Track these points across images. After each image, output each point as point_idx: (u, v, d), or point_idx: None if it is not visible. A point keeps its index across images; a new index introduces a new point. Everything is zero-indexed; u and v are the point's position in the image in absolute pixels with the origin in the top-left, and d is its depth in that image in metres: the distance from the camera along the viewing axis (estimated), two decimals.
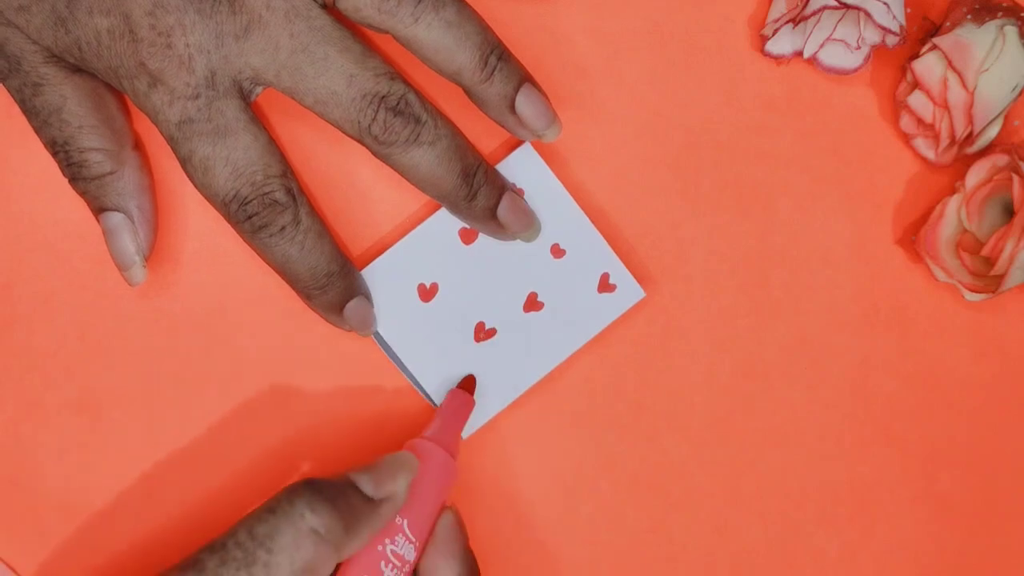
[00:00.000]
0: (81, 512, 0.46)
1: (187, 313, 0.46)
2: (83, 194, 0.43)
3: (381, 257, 0.45)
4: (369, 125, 0.41)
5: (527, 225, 0.45)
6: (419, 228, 0.45)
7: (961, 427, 0.47)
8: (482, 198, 0.43)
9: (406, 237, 0.45)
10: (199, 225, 0.46)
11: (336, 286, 0.43)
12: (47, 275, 0.46)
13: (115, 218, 0.43)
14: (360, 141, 0.42)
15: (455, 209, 0.43)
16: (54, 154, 0.42)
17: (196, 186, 0.41)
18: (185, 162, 0.41)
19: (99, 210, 0.43)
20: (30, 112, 0.42)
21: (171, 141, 0.41)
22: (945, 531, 0.47)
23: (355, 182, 0.46)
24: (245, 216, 0.41)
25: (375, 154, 0.42)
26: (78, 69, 0.42)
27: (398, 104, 0.41)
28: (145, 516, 0.46)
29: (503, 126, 0.44)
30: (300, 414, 0.46)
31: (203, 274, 0.46)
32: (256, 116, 0.42)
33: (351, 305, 0.44)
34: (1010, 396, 0.47)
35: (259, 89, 0.42)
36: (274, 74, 0.41)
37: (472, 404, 0.44)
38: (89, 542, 0.46)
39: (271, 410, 0.46)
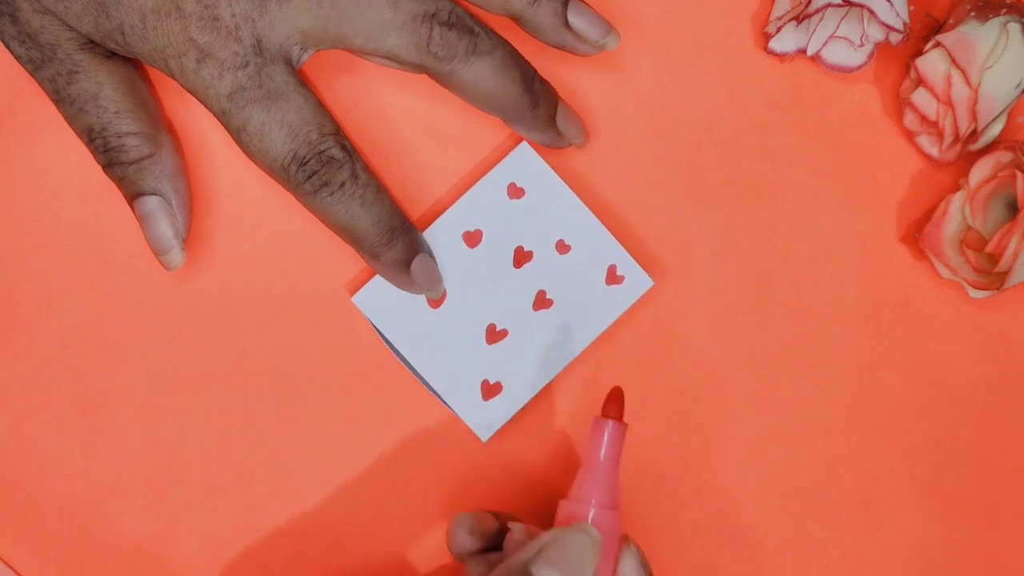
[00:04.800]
0: (84, 513, 0.46)
1: (191, 314, 0.46)
2: (120, 180, 0.43)
3: None
4: (427, 43, 0.41)
5: (581, 130, 0.45)
6: (422, 235, 0.45)
7: (966, 424, 0.47)
8: (543, 105, 0.43)
9: None
10: (203, 227, 0.46)
11: (401, 240, 0.43)
12: (50, 276, 0.46)
13: (152, 202, 0.43)
14: (419, 64, 0.42)
15: (519, 120, 0.43)
16: (90, 141, 0.42)
17: (252, 154, 0.41)
18: (240, 131, 0.41)
19: (135, 195, 0.43)
20: (64, 101, 0.42)
21: (223, 115, 0.41)
22: (950, 527, 0.47)
23: None
24: (305, 176, 0.41)
25: (436, 75, 0.42)
26: (111, 55, 0.42)
27: (449, 18, 0.41)
28: (148, 518, 0.46)
29: (563, 47, 0.44)
30: (305, 415, 0.46)
31: (206, 275, 0.46)
32: (302, 80, 0.42)
33: (417, 262, 0.44)
34: (1014, 393, 0.47)
35: (306, 56, 0.42)
36: (321, 28, 0.41)
37: (625, 428, 0.41)
38: (91, 544, 0.46)
39: (276, 411, 0.46)
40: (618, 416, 0.41)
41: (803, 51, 0.46)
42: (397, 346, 0.45)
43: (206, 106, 0.41)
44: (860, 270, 0.47)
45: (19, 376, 0.46)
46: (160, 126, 0.44)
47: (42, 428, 0.46)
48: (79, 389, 0.46)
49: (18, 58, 0.42)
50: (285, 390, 0.46)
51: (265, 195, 0.46)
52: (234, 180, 0.46)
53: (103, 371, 0.46)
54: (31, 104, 0.45)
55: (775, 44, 0.46)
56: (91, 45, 0.41)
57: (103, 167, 0.43)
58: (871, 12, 0.44)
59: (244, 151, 0.41)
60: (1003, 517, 0.47)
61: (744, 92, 0.47)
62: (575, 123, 0.45)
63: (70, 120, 0.42)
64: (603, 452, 0.40)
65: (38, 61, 0.41)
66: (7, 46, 0.42)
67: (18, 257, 0.46)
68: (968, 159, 0.46)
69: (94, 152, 0.42)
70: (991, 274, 0.46)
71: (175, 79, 0.41)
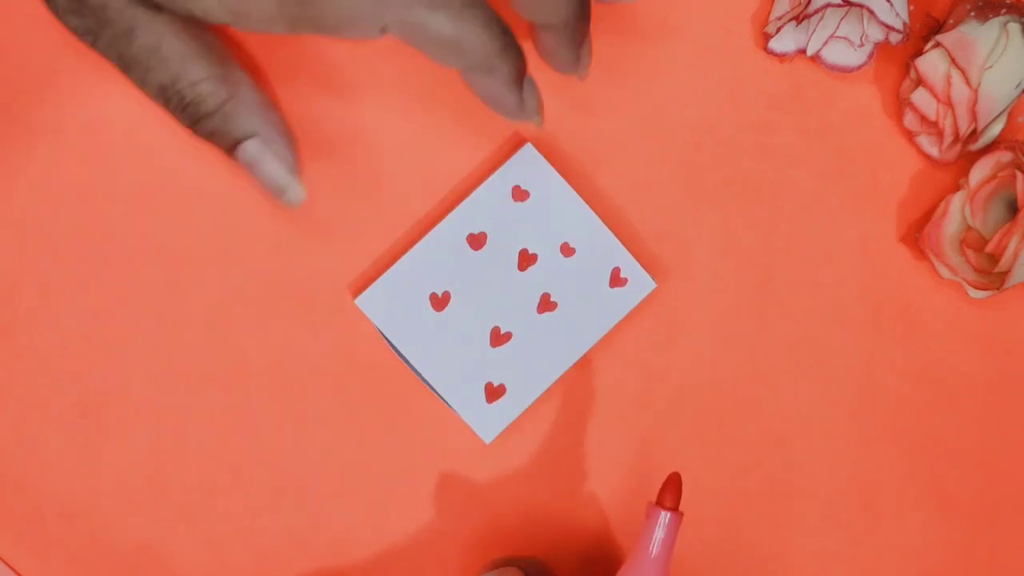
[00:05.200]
0: (84, 514, 0.46)
1: (192, 315, 0.46)
2: (210, 135, 0.41)
3: (391, 269, 0.45)
4: None
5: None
6: (427, 237, 0.45)
7: (966, 424, 0.47)
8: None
9: (414, 247, 0.45)
10: (202, 226, 0.46)
11: (514, 48, 0.38)
12: (50, 277, 0.46)
13: (252, 146, 0.41)
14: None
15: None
16: (166, 102, 0.40)
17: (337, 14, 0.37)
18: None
19: (232, 145, 0.41)
20: (130, 64, 0.40)
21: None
22: (950, 527, 0.47)
23: (360, 186, 0.46)
24: None
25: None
26: (159, 8, 0.40)
27: None
28: (148, 518, 0.46)
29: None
30: (307, 417, 0.46)
31: (207, 275, 0.46)
32: None
33: (528, 81, 0.39)
34: (1015, 393, 0.47)
35: None
36: None
37: (681, 518, 0.39)
38: (91, 544, 0.46)
39: (277, 412, 0.46)
40: (674, 506, 0.39)
41: (803, 51, 0.46)
42: (400, 348, 0.45)
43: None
44: (860, 270, 0.47)
45: (19, 376, 0.46)
46: (230, 65, 0.41)
47: (42, 428, 0.46)
48: (79, 389, 0.46)
49: (75, 31, 0.40)
50: (287, 392, 0.46)
51: (267, 196, 0.46)
52: (234, 181, 0.46)
53: (103, 371, 0.46)
54: (31, 104, 0.45)
55: (775, 44, 0.46)
56: (137, 0, 0.40)
57: (191, 128, 0.41)
58: (871, 12, 0.44)
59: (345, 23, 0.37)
60: (1003, 517, 0.47)
61: (744, 92, 0.47)
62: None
63: (142, 85, 0.40)
64: (655, 546, 0.39)
65: (95, 29, 0.40)
66: (64, 22, 0.40)
67: (18, 257, 0.46)
68: (968, 159, 0.46)
69: (174, 113, 0.41)
70: (991, 274, 0.46)
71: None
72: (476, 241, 0.45)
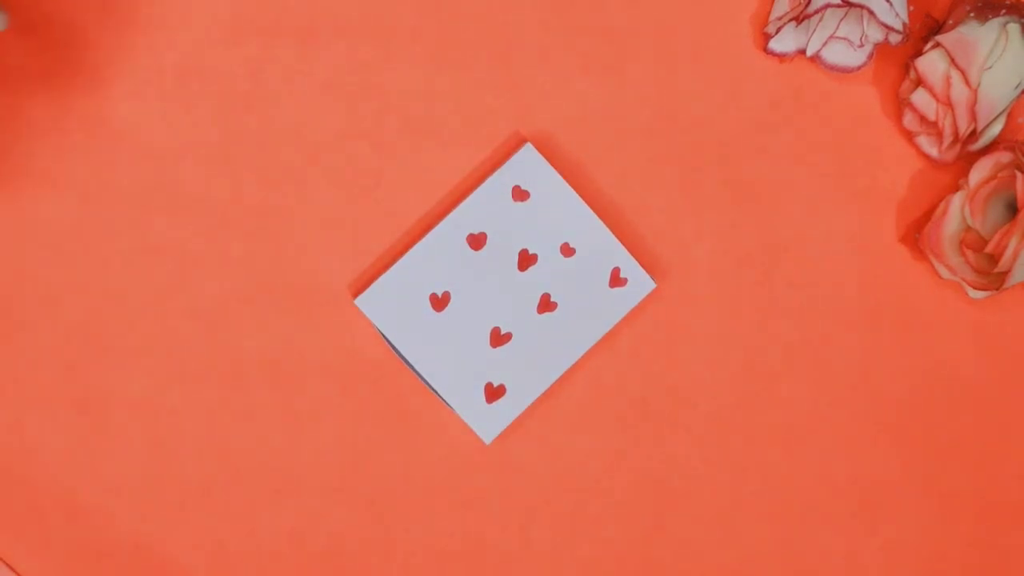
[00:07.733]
0: (83, 513, 0.46)
1: (191, 315, 0.46)
2: None
3: (391, 269, 0.45)
4: None
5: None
6: (427, 237, 0.45)
7: (964, 424, 0.47)
8: None
9: (414, 247, 0.45)
10: (201, 226, 0.46)
11: None
12: (51, 276, 0.46)
13: None
14: None
15: None
16: None
17: None
18: None
19: None
20: None
21: None
22: (950, 527, 0.47)
23: (360, 186, 0.46)
24: None
25: None
26: None
27: None
28: (148, 518, 0.46)
29: None
30: (307, 416, 0.46)
31: (207, 276, 0.46)
32: None
33: None
34: (1013, 393, 0.47)
35: None
36: None
37: None
38: (91, 544, 0.46)
39: (277, 412, 0.46)
40: None
41: (803, 51, 0.46)
42: (400, 348, 0.45)
43: None
44: (859, 270, 0.47)
45: (19, 375, 0.46)
46: None
47: (42, 427, 0.46)
48: (79, 388, 0.46)
49: None
50: (287, 391, 0.46)
51: (266, 196, 0.46)
52: (234, 181, 0.46)
53: (103, 371, 0.46)
54: (32, 104, 0.45)
55: (775, 44, 0.46)
56: None
57: None
58: (871, 13, 0.44)
59: None
60: (1003, 517, 0.48)
61: (744, 92, 0.47)
62: None
63: None
64: None
65: None
66: None
67: (18, 257, 0.46)
68: (968, 159, 0.46)
69: None
70: (991, 274, 0.46)
71: None
72: (476, 241, 0.45)
